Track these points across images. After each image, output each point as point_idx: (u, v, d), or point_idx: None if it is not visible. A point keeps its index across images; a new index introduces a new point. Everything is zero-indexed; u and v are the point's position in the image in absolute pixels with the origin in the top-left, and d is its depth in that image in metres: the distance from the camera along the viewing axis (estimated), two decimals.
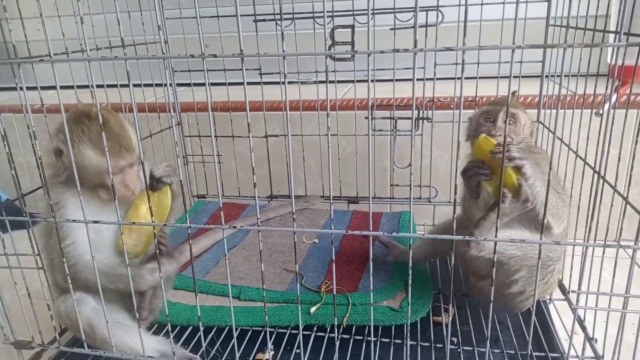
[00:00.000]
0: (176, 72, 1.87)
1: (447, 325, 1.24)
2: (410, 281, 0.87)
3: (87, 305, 1.10)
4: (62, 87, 0.89)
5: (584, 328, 1.15)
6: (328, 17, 1.61)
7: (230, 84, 1.80)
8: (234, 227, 0.90)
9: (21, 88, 0.98)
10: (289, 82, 2.44)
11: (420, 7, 1.54)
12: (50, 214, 1.00)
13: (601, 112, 1.06)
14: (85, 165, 1.03)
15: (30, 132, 0.98)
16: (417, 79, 1.39)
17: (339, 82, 1.91)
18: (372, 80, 1.80)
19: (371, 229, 0.85)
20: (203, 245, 1.62)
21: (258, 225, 0.87)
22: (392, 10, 1.56)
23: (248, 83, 0.88)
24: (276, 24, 1.64)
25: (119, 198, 0.97)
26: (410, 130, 1.70)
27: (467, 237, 0.81)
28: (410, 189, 0.90)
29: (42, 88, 1.14)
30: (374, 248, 1.56)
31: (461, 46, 0.71)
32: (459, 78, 1.48)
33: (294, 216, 0.84)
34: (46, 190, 1.06)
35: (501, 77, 1.64)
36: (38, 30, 1.05)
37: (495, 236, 0.77)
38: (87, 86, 1.20)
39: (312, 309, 1.25)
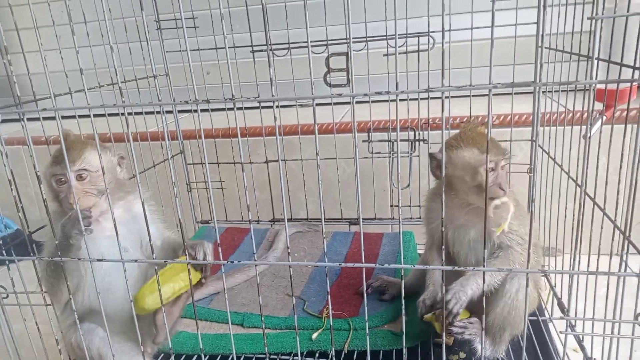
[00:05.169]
0: (177, 103, 1.92)
1: (447, 346, 1.25)
2: (404, 310, 0.89)
3: (96, 335, 1.14)
4: (63, 118, 0.95)
5: (582, 347, 1.16)
6: (323, 44, 1.65)
7: (229, 109, 1.84)
8: (232, 262, 0.93)
9: (22, 120, 1.03)
10: (285, 106, 2.49)
11: (412, 33, 1.61)
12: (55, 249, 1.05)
13: (589, 135, 1.08)
14: (44, 180, 1.13)
15: (36, 174, 1.03)
16: (412, 99, 1.39)
17: (335, 104, 1.95)
18: (367, 102, 1.85)
19: (363, 260, 0.88)
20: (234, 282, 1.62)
21: (269, 258, 0.90)
22: (384, 37, 1.60)
23: (246, 108, 0.93)
24: (273, 54, 1.69)
25: (69, 211, 1.07)
26: (407, 152, 1.73)
27: (456, 267, 0.83)
28: (399, 214, 0.93)
29: (45, 119, 1.19)
30: (376, 272, 1.57)
31: (442, 86, 0.74)
32: (452, 97, 1.52)
33: (289, 250, 0.87)
34: (51, 227, 1.10)
35: (494, 94, 1.67)
36: (45, 61, 1.12)
37: (484, 266, 0.80)
38: (88, 116, 1.26)
39: (314, 335, 1.27)
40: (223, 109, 1.82)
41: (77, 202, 1.04)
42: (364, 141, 1.78)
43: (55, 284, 1.12)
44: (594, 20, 0.75)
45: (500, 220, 1.08)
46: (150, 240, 0.97)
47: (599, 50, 0.97)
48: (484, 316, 0.86)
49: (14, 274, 1.15)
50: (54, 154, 1.16)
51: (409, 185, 1.75)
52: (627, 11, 0.98)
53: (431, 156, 1.17)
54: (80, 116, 1.47)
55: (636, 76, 0.79)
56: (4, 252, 1.13)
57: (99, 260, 1.01)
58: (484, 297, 0.82)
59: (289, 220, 2.01)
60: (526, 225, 1.09)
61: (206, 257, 1.13)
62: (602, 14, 1.08)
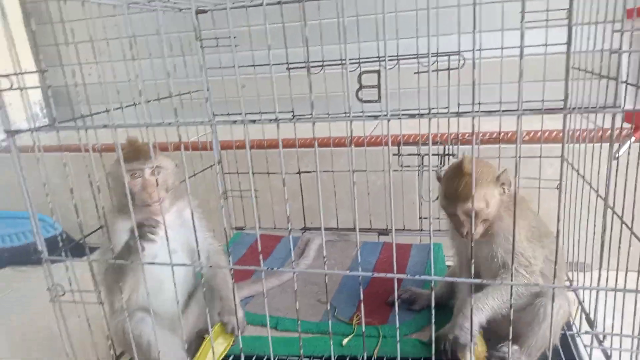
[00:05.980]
0: (216, 115, 2.02)
1: None
2: (433, 319, 0.94)
3: (147, 325, 1.22)
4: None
5: None
6: (355, 62, 1.73)
7: (265, 119, 1.93)
8: (272, 268, 1.00)
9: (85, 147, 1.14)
10: (319, 119, 2.57)
11: (443, 52, 1.66)
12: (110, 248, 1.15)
13: (617, 155, 1.11)
14: (114, 178, 1.24)
15: (90, 182, 1.15)
16: (441, 115, 1.46)
17: (367, 116, 2.02)
18: (399, 118, 1.90)
19: (395, 270, 0.93)
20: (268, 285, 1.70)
21: (294, 267, 0.97)
22: (415, 56, 1.66)
23: (281, 119, 1.02)
24: (309, 72, 1.77)
25: (141, 204, 1.17)
26: (436, 165, 1.78)
27: (484, 281, 0.88)
28: (430, 226, 0.98)
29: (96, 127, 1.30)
30: (405, 283, 1.62)
31: (472, 111, 0.80)
32: (481, 112, 1.56)
33: (325, 260, 0.93)
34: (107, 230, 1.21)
35: (524, 110, 1.70)
36: (89, 75, 1.25)
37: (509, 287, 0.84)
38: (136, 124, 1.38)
39: (344, 341, 1.33)
40: (259, 120, 1.92)
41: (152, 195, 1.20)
42: (394, 154, 1.84)
43: (117, 283, 1.21)
44: (619, 47, 0.79)
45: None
46: (197, 246, 1.06)
47: (627, 75, 1.01)
48: (509, 342, 0.89)
49: (70, 273, 1.26)
50: (124, 152, 1.23)
51: (437, 198, 1.79)
52: None
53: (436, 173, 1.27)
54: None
55: None
56: (62, 254, 1.23)
57: (149, 263, 1.10)
58: (511, 325, 0.86)
59: (320, 229, 2.07)
60: (537, 247, 1.12)
61: (235, 331, 1.27)
62: (631, 37, 1.11)
